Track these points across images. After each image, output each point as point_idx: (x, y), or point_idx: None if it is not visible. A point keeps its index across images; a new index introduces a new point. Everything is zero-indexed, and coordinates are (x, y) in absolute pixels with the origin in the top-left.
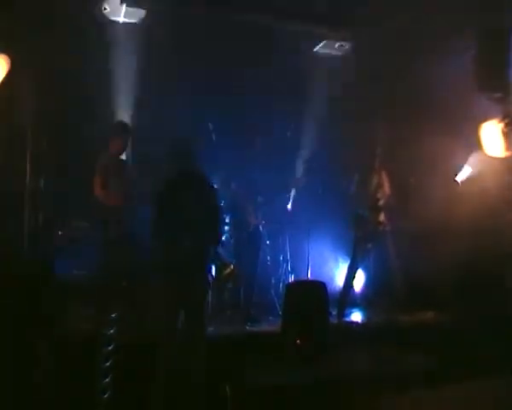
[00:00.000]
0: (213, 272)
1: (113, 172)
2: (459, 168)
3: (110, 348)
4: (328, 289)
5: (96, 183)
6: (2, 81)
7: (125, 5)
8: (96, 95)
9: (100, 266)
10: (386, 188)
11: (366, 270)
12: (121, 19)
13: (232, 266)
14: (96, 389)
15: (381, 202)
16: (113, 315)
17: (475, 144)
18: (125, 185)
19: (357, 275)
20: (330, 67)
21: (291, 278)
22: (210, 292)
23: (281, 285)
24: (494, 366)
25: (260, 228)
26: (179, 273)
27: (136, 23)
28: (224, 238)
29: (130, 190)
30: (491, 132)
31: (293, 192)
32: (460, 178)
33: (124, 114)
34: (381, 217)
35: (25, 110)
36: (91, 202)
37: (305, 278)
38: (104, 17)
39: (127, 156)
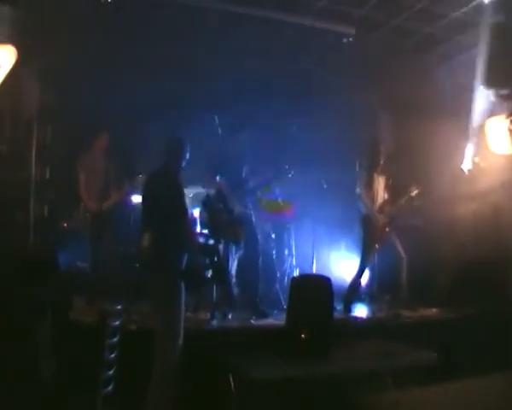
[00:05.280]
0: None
1: (95, 171)
2: (464, 164)
3: (115, 339)
4: (333, 283)
5: (81, 184)
6: (10, 72)
7: None
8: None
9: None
10: (393, 189)
11: (371, 266)
12: None
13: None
14: (99, 381)
15: (388, 201)
16: (119, 307)
17: (481, 142)
18: (108, 183)
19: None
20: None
21: (296, 273)
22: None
23: (286, 279)
24: (497, 362)
25: (253, 218)
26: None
27: None
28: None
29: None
30: (497, 130)
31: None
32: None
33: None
34: (388, 217)
35: (31, 102)
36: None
37: (310, 273)
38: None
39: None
